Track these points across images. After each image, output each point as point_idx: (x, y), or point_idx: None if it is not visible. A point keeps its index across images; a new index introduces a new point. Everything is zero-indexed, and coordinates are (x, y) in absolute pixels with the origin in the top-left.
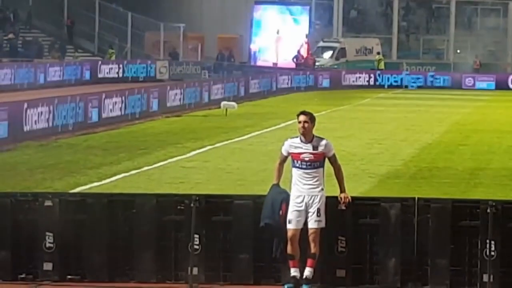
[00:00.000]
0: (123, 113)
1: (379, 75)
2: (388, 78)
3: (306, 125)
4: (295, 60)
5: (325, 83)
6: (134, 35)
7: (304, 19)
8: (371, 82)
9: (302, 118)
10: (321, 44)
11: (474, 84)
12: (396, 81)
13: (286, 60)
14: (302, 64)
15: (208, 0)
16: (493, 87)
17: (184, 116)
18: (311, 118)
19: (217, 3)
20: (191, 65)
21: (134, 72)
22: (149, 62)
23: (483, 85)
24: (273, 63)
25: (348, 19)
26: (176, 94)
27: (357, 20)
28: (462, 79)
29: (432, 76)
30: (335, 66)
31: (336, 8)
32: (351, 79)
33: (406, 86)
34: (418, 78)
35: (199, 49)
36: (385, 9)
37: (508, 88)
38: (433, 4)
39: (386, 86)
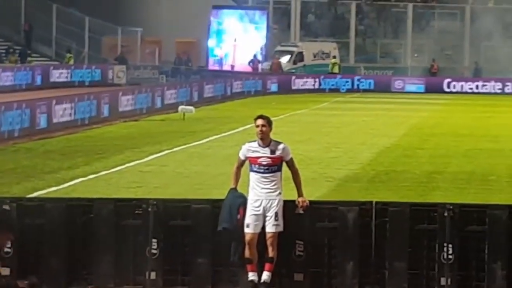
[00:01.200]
0: (73, 118)
1: (323, 79)
2: (328, 82)
3: (264, 128)
4: (251, 64)
5: (274, 87)
6: (91, 39)
7: (262, 24)
8: (316, 86)
9: (259, 122)
10: (279, 48)
11: (403, 87)
12: (333, 85)
13: (242, 64)
14: (271, 69)
15: (166, 4)
16: (423, 90)
17: (142, 121)
18: (269, 122)
19: (175, 7)
20: (148, 69)
21: (89, 77)
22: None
23: (413, 88)
24: (231, 67)
25: (305, 23)
26: (128, 99)
27: (314, 24)
28: (391, 82)
29: (358, 80)
30: (293, 71)
31: (294, 12)
32: (299, 83)
33: (338, 90)
34: (347, 81)
35: (156, 53)
36: (343, 13)
37: (442, 91)
38: (390, 8)
39: (327, 90)
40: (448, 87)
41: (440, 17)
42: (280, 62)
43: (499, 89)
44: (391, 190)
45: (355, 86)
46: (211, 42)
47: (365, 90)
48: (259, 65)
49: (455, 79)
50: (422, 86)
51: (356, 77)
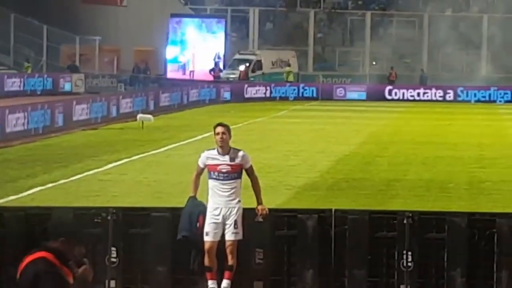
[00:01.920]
0: (26, 128)
1: (273, 87)
2: (278, 90)
3: (224, 136)
4: (212, 72)
5: (227, 95)
6: (50, 48)
7: (220, 32)
8: (267, 94)
9: (219, 129)
10: (237, 56)
11: (345, 95)
12: (283, 93)
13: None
14: (240, 77)
15: (124, 13)
16: (364, 97)
17: (100, 129)
18: (228, 130)
19: (132, 16)
20: (107, 78)
21: (40, 85)
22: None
23: (354, 95)
24: (191, 75)
25: (264, 31)
26: (83, 108)
27: (273, 32)
28: (333, 89)
29: (302, 87)
30: (252, 79)
31: (252, 20)
32: (252, 91)
33: (287, 98)
34: (294, 90)
35: (115, 61)
36: (301, 21)
37: (384, 99)
38: (349, 16)
39: (277, 98)
40: (390, 94)
41: (398, 25)
42: (247, 72)
43: (440, 96)
44: (350, 198)
45: (301, 94)
46: (174, 50)
47: (308, 98)
48: (220, 74)
49: (396, 87)
50: (363, 94)
51: (301, 85)
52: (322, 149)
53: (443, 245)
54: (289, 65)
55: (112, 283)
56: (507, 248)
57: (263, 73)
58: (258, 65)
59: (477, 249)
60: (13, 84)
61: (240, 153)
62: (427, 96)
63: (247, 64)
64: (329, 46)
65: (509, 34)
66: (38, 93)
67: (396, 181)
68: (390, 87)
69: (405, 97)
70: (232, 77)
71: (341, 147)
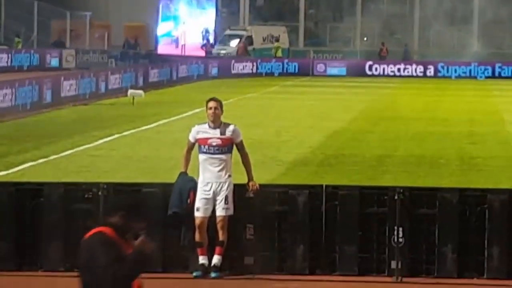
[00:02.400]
0: (13, 104)
1: (259, 63)
2: (264, 66)
3: (216, 111)
4: (203, 48)
5: (214, 71)
6: (40, 23)
7: (211, 8)
8: (254, 70)
9: (212, 104)
10: (228, 32)
11: (325, 70)
12: (268, 69)
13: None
14: (237, 53)
15: None
16: (344, 73)
17: (91, 105)
18: (221, 105)
19: None
20: (98, 54)
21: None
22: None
23: (334, 71)
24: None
25: (255, 7)
26: (71, 84)
27: (264, 7)
28: (313, 65)
29: (287, 63)
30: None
31: None
32: (239, 67)
33: (273, 74)
34: (279, 65)
35: (105, 37)
36: None
37: (365, 75)
38: None
39: (263, 74)
40: (370, 70)
41: (389, 0)
42: (246, 46)
43: (421, 72)
44: (341, 174)
45: (285, 70)
46: (167, 25)
47: (290, 74)
48: (212, 49)
49: (376, 62)
50: (344, 69)
51: (285, 61)
52: (313, 124)
53: (434, 221)
54: (277, 40)
55: None
56: (498, 224)
57: (253, 49)
58: (249, 40)
59: (468, 225)
60: (1, 60)
61: (231, 127)
62: (408, 72)
63: (242, 39)
64: (320, 21)
65: (500, 8)
66: (25, 68)
67: (386, 157)
68: (370, 62)
69: (386, 73)
70: (223, 53)
71: (331, 123)
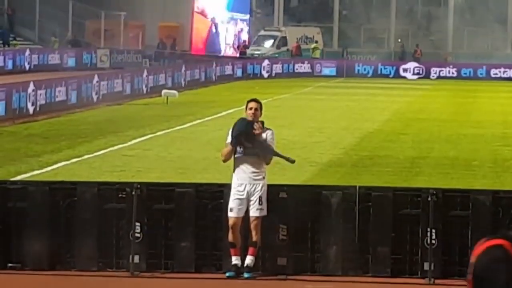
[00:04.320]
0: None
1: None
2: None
3: (256, 112)
4: (238, 49)
5: (239, 72)
6: (75, 23)
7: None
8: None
9: (252, 104)
10: (262, 33)
11: (358, 71)
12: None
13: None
14: (293, 53)
15: None
16: (334, 73)
17: (125, 105)
18: (261, 106)
19: None
20: (132, 54)
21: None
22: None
23: (326, 71)
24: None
25: (289, 8)
26: (107, 83)
27: (298, 9)
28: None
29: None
30: (276, 55)
31: None
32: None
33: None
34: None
35: (140, 37)
36: None
37: (398, 76)
38: None
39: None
40: (404, 71)
41: (423, 2)
42: (299, 46)
43: (454, 73)
44: (374, 175)
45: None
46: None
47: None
48: (246, 50)
49: (366, 63)
50: (334, 70)
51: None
52: (346, 126)
53: (467, 222)
54: (316, 42)
55: (136, 258)
56: None
57: (287, 50)
58: (283, 41)
59: (501, 227)
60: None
61: (268, 131)
62: (442, 73)
63: (277, 40)
64: (354, 22)
65: None
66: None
67: (420, 159)
68: (359, 63)
69: (420, 74)
70: (257, 53)
71: (365, 124)
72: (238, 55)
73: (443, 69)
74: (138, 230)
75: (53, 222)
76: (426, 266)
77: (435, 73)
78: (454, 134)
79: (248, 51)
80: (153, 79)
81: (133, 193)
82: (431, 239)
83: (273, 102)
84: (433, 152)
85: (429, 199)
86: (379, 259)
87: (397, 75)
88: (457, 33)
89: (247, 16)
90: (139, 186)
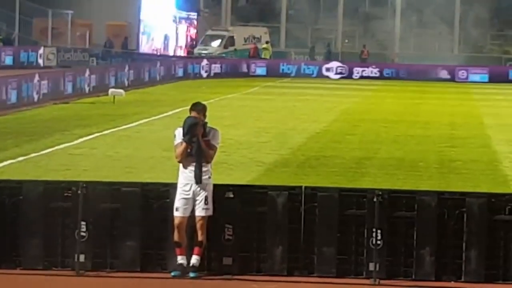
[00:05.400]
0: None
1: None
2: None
3: (199, 116)
4: (186, 48)
5: (196, 70)
6: (22, 21)
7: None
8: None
9: (193, 114)
10: (209, 32)
11: (307, 72)
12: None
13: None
14: (250, 55)
15: None
16: (265, 73)
17: (72, 103)
18: (203, 111)
19: None
20: (79, 52)
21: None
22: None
23: (259, 71)
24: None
25: (236, 8)
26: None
27: (245, 8)
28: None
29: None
30: (223, 55)
31: None
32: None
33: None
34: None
35: (87, 36)
36: None
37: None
38: None
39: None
40: (351, 71)
41: (371, 3)
42: (257, 47)
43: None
44: (321, 175)
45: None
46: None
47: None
48: (194, 49)
49: (291, 62)
50: (264, 69)
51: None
52: (293, 126)
53: (413, 223)
54: (267, 42)
55: (81, 257)
56: (476, 227)
57: (235, 49)
58: (231, 41)
59: (447, 228)
60: None
61: (212, 131)
62: (388, 74)
63: (224, 39)
64: (302, 23)
65: (480, 13)
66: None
67: (366, 159)
68: (284, 62)
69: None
70: (204, 53)
71: (312, 125)
72: (185, 54)
73: (365, 69)
74: (84, 229)
75: None
76: (371, 266)
77: (358, 73)
78: (401, 135)
79: (196, 51)
80: (95, 79)
81: (79, 192)
82: (376, 240)
83: (220, 101)
84: (380, 153)
85: (375, 200)
86: (325, 260)
87: (320, 75)
88: (404, 34)
89: (195, 15)
90: (85, 185)
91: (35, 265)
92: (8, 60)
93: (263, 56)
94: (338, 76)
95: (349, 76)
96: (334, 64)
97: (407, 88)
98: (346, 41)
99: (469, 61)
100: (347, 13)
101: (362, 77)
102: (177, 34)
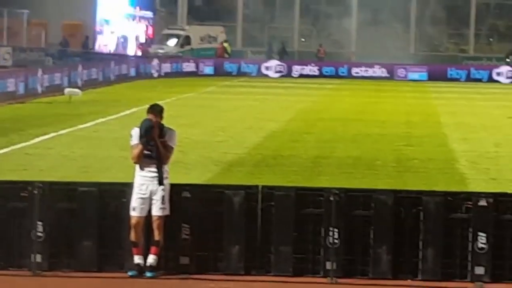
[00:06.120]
0: None
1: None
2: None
3: (156, 118)
4: (141, 47)
5: (132, 72)
6: None
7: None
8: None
9: (150, 117)
10: (166, 31)
11: (203, 70)
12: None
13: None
14: (217, 55)
15: None
16: (212, 71)
17: (28, 103)
18: (160, 113)
19: None
20: (35, 52)
21: None
22: None
23: (208, 70)
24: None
25: (193, 7)
26: (9, 81)
27: (202, 8)
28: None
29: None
30: (180, 54)
31: None
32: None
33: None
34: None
35: (42, 35)
36: None
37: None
38: None
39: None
40: (310, 70)
41: (327, 2)
42: (224, 47)
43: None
44: (278, 175)
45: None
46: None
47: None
48: (149, 48)
49: (232, 61)
50: (212, 68)
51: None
52: (250, 125)
53: (369, 222)
54: (226, 41)
55: (38, 257)
56: (432, 226)
57: (191, 49)
58: (187, 40)
59: (403, 227)
60: None
61: (168, 131)
62: (344, 73)
63: (180, 38)
64: (258, 22)
65: (437, 12)
66: None
67: (323, 158)
68: (227, 61)
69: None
70: (161, 52)
71: (269, 124)
72: (141, 53)
73: (304, 67)
74: (40, 229)
75: None
76: (328, 265)
77: (297, 71)
78: (358, 134)
79: (152, 50)
80: (48, 79)
81: (35, 192)
82: (333, 239)
83: (177, 101)
84: (337, 152)
85: (332, 199)
86: (282, 258)
87: (260, 74)
88: (361, 33)
89: (151, 14)
90: (41, 185)
91: None
92: None
93: (228, 52)
94: (278, 74)
95: (289, 74)
96: (273, 63)
97: (360, 87)
98: (303, 40)
99: (426, 60)
100: (303, 12)
101: (301, 76)
102: (133, 33)
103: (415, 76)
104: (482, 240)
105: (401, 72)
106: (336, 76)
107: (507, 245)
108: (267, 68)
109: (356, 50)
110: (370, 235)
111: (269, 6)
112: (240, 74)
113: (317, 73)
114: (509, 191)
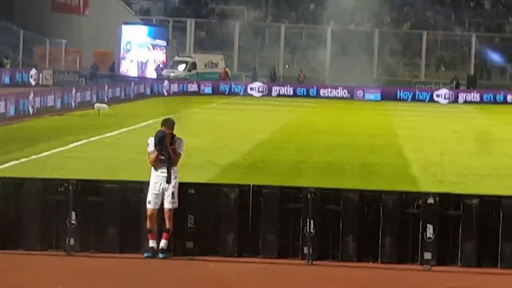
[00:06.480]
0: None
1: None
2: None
3: (168, 130)
4: (156, 71)
5: (148, 91)
6: (25, 48)
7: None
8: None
9: (163, 129)
10: (176, 58)
11: (204, 90)
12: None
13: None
14: (221, 77)
15: (86, 20)
16: (211, 91)
17: (64, 115)
18: (172, 126)
19: (93, 23)
20: (71, 74)
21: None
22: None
23: (207, 90)
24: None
25: (198, 39)
26: (50, 98)
27: (205, 39)
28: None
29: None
30: (188, 77)
31: (189, 29)
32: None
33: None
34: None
35: (77, 60)
36: (228, 31)
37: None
38: (267, 28)
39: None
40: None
41: (307, 35)
42: (226, 71)
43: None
44: (266, 176)
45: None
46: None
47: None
48: (162, 72)
49: (225, 83)
50: (210, 88)
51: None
52: (243, 135)
53: (339, 215)
54: (226, 67)
55: (71, 240)
56: (390, 219)
57: (197, 73)
58: (193, 66)
59: (367, 219)
60: None
61: (178, 140)
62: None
63: (189, 64)
64: (250, 51)
65: (395, 45)
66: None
67: (302, 163)
68: (206, 82)
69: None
70: (172, 75)
71: (258, 134)
72: (155, 76)
73: (281, 88)
74: (74, 218)
75: (3, 211)
76: (305, 250)
77: (276, 91)
78: (330, 143)
79: (164, 73)
80: (80, 96)
81: (70, 188)
82: (310, 228)
83: (185, 115)
84: (313, 158)
85: (309, 196)
86: (268, 244)
87: (246, 93)
88: (334, 61)
89: (165, 43)
90: (75, 182)
91: (34, 247)
92: (7, 80)
93: (228, 76)
94: (260, 94)
95: (269, 94)
96: (256, 84)
97: (328, 105)
98: (287, 66)
99: (386, 84)
100: (287, 44)
101: (279, 95)
102: (151, 59)
103: (371, 96)
104: (430, 230)
105: (359, 93)
106: (308, 95)
107: (449, 235)
108: (251, 88)
109: (329, 76)
110: (339, 226)
111: (260, 38)
112: (231, 93)
113: (291, 93)
114: (451, 192)
